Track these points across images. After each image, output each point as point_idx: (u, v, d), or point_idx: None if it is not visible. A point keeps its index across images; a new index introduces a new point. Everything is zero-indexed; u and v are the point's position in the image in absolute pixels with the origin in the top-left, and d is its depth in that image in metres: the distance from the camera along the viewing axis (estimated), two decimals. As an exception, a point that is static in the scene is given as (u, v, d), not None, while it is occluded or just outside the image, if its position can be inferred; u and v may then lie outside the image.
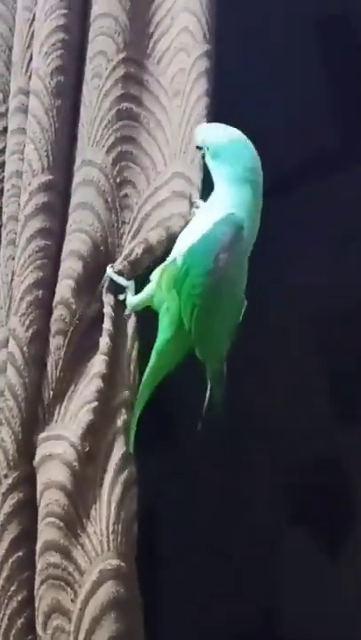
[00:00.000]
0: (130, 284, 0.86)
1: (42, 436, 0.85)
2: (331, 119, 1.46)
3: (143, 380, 0.84)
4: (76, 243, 0.88)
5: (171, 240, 0.86)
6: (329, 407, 1.54)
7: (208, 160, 0.84)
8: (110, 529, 0.80)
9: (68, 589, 0.80)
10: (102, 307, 0.86)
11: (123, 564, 0.79)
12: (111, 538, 0.80)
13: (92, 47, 0.93)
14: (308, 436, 1.52)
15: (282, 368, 1.53)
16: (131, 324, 0.86)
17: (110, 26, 0.92)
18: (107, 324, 0.85)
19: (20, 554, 0.84)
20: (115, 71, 0.91)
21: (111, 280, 0.86)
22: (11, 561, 0.84)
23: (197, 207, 0.87)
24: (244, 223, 0.81)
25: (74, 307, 0.86)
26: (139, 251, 0.86)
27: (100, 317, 0.86)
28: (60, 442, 0.83)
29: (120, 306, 0.87)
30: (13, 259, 0.90)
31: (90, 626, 0.78)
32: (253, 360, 1.47)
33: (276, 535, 1.55)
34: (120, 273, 0.86)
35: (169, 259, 0.84)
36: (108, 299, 0.86)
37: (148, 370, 0.84)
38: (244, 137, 0.83)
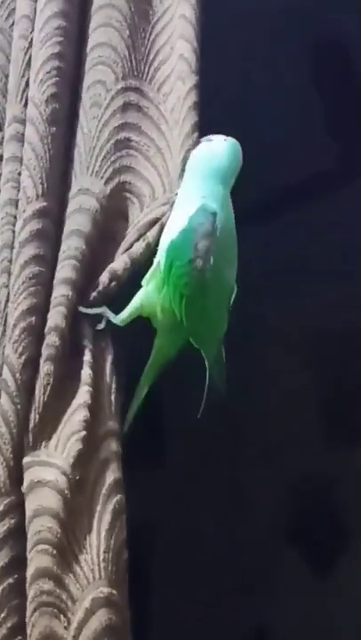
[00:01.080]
0: (103, 309, 0.88)
1: (27, 460, 0.85)
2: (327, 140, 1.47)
3: (143, 373, 0.89)
4: (68, 270, 0.88)
5: (135, 264, 0.88)
6: (322, 427, 1.55)
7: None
8: (101, 557, 0.81)
9: (61, 617, 0.81)
10: (81, 339, 0.88)
11: (114, 591, 0.80)
12: (102, 566, 0.80)
13: (90, 76, 0.94)
14: (300, 457, 1.52)
15: (275, 389, 1.54)
16: (108, 354, 0.88)
17: (109, 55, 0.93)
18: (86, 356, 0.86)
19: (11, 581, 0.84)
20: (113, 101, 0.92)
21: (94, 316, 0.88)
22: (1, 588, 0.84)
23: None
24: (217, 210, 0.85)
25: (66, 334, 0.87)
26: (105, 280, 0.88)
27: (79, 346, 0.88)
28: (50, 469, 0.83)
29: (98, 336, 0.88)
30: (7, 286, 0.91)
31: None
32: (246, 380, 1.47)
33: (268, 554, 1.56)
34: (90, 305, 0.88)
35: (154, 265, 0.87)
36: (85, 331, 0.88)
37: (148, 365, 0.88)
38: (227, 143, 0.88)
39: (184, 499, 1.48)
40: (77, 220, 0.90)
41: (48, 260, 0.90)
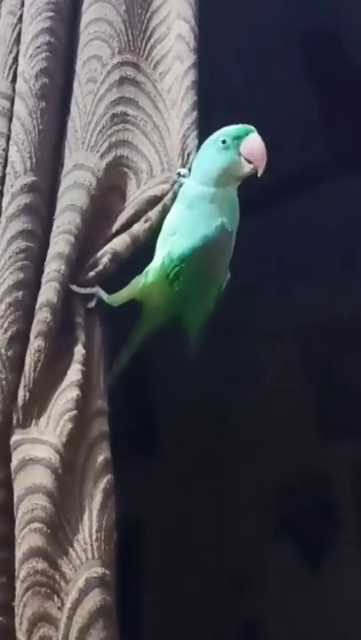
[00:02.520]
0: (96, 289, 0.87)
1: (16, 438, 0.83)
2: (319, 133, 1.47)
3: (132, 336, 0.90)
4: (61, 245, 0.87)
5: (137, 244, 0.87)
6: (315, 422, 1.54)
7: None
8: (94, 537, 0.79)
9: (55, 597, 0.79)
10: (74, 316, 0.86)
11: (107, 571, 0.79)
12: (95, 546, 0.79)
13: (86, 51, 0.93)
14: (294, 451, 1.51)
15: (270, 383, 1.53)
16: (98, 333, 0.86)
17: (105, 30, 0.92)
18: (79, 334, 0.85)
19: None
20: (109, 75, 0.91)
21: (87, 295, 0.87)
22: (-14, 568, 0.82)
23: (183, 176, 0.89)
24: (229, 227, 0.86)
25: (58, 310, 0.85)
26: (105, 261, 0.87)
27: (71, 322, 0.86)
28: (42, 446, 0.82)
29: (90, 314, 0.86)
30: None
31: (78, 634, 0.78)
32: (241, 376, 1.46)
33: (260, 547, 1.54)
34: (84, 284, 0.87)
35: (156, 260, 0.87)
36: (77, 309, 0.86)
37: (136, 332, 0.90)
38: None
39: (174, 493, 1.47)
40: (72, 196, 0.88)
41: (37, 236, 0.88)
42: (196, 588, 1.47)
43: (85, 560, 0.79)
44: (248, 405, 1.51)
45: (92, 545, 0.79)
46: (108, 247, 0.87)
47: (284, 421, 1.53)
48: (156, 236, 0.88)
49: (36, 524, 0.80)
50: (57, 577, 0.79)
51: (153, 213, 0.88)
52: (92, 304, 0.87)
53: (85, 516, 0.80)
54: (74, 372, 0.83)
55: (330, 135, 1.46)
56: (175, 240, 0.86)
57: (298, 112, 1.40)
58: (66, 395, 0.83)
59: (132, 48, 0.92)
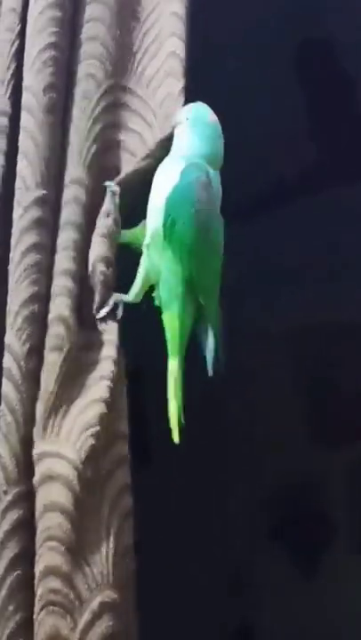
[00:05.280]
0: (115, 298, 0.87)
1: (37, 451, 0.83)
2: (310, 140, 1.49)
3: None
4: (66, 261, 0.88)
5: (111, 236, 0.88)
6: (308, 428, 1.56)
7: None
8: (110, 560, 0.79)
9: (68, 618, 0.79)
10: (98, 332, 0.86)
11: (120, 597, 0.79)
12: (110, 569, 0.79)
13: (82, 69, 0.94)
14: (287, 456, 1.53)
15: (263, 389, 1.55)
16: (122, 355, 0.86)
17: (99, 51, 0.94)
18: (110, 352, 0.84)
19: (19, 572, 0.82)
20: (102, 98, 0.93)
21: (111, 309, 0.87)
22: (10, 580, 0.82)
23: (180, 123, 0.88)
24: (209, 169, 0.86)
25: (71, 324, 0.85)
26: (103, 269, 0.87)
27: (93, 338, 0.86)
28: (61, 461, 0.81)
29: (119, 333, 0.86)
30: None
31: None
32: (235, 380, 1.47)
33: (254, 553, 1.56)
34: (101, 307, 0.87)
35: (148, 231, 0.86)
36: (109, 326, 0.86)
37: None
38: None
39: (168, 500, 1.47)
40: (71, 211, 0.90)
41: (47, 248, 0.89)
42: (190, 593, 1.47)
43: (101, 582, 0.79)
44: (240, 411, 1.53)
45: (108, 568, 0.79)
46: (94, 259, 0.87)
47: (277, 427, 1.54)
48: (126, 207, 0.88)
49: (53, 543, 0.80)
50: (72, 596, 0.79)
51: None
52: (119, 312, 0.87)
53: (103, 537, 0.80)
54: (102, 389, 0.83)
55: (321, 143, 1.48)
56: (157, 200, 0.86)
57: (289, 120, 1.42)
58: (91, 410, 0.82)
59: (125, 70, 0.94)
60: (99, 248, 0.88)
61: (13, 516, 0.83)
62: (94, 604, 0.78)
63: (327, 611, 1.52)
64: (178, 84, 0.92)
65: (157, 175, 0.88)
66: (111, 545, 0.80)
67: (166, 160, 0.88)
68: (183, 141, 0.88)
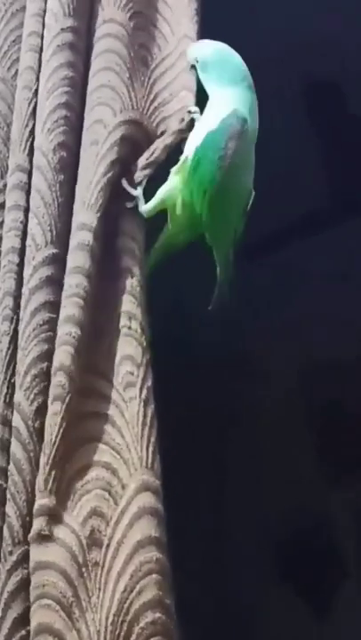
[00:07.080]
0: (139, 192, 0.91)
1: (36, 507, 0.83)
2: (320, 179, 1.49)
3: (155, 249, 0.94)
4: (71, 308, 0.88)
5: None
6: (319, 467, 1.55)
7: (200, 75, 0.93)
8: (110, 620, 0.78)
9: None
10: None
11: None
12: (109, 629, 0.77)
13: (90, 117, 0.95)
14: (297, 495, 1.52)
15: (272, 427, 1.54)
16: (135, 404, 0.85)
17: (108, 95, 0.94)
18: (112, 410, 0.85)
19: (23, 633, 0.82)
20: (110, 135, 0.93)
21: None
22: (14, 641, 0.82)
23: (195, 112, 0.93)
24: (247, 117, 0.90)
25: (73, 373, 0.85)
26: (157, 151, 0.91)
27: (94, 384, 0.86)
28: (57, 524, 0.81)
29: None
30: (8, 334, 0.90)
31: None
32: (243, 418, 1.47)
33: (262, 595, 1.55)
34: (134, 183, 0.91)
35: (181, 159, 0.91)
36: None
37: (155, 247, 0.94)
38: (228, 46, 0.93)
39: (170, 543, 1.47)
40: (77, 257, 0.89)
41: (58, 307, 0.89)
42: (195, 634, 1.46)
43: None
44: (249, 447, 1.52)
45: (106, 628, 0.77)
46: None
47: (286, 464, 1.54)
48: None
49: (47, 600, 0.79)
50: None
51: None
52: (130, 204, 0.91)
53: (107, 597, 0.78)
54: (107, 455, 0.83)
55: (331, 181, 1.49)
56: (196, 136, 0.90)
57: (299, 159, 1.43)
58: (91, 472, 0.82)
59: (135, 107, 0.95)
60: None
61: (17, 575, 0.83)
62: None
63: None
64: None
65: (206, 110, 0.91)
66: (115, 605, 0.78)
67: (215, 97, 0.91)
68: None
